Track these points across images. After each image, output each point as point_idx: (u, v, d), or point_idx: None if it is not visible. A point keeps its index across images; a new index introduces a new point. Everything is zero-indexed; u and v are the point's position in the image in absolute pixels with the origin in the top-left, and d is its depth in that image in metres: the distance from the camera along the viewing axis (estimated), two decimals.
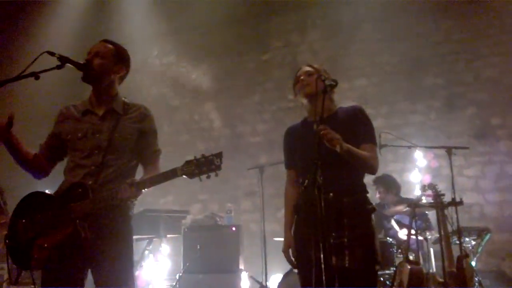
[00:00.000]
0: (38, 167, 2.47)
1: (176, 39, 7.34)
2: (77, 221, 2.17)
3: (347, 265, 2.23)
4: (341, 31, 6.46)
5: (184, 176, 2.10)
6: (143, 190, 2.21)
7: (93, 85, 2.45)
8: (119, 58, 2.47)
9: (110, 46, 2.47)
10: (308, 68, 2.56)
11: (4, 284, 4.88)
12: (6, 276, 4.93)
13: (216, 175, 2.08)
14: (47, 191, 2.50)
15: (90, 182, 2.26)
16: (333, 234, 2.27)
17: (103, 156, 2.32)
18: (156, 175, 2.23)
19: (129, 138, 2.39)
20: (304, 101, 2.51)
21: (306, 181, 2.47)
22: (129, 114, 2.44)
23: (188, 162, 2.09)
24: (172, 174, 2.13)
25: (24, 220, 2.30)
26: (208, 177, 2.08)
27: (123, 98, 2.49)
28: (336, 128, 2.36)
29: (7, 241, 2.33)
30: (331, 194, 2.29)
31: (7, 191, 4.47)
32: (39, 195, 2.38)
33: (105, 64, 2.41)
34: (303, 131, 2.52)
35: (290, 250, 2.46)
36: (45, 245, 2.21)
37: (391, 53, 6.26)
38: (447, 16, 6.10)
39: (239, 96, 6.92)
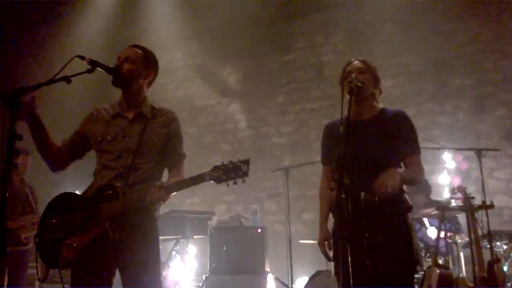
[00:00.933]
0: (58, 159, 2.50)
1: (200, 41, 7.40)
2: (107, 222, 2.21)
3: (381, 267, 2.20)
4: (365, 32, 6.40)
5: (211, 182, 2.14)
6: (171, 194, 2.24)
7: (123, 89, 2.50)
8: (148, 63, 2.52)
9: (139, 51, 2.52)
10: (360, 65, 2.47)
11: (36, 282, 5.00)
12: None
13: (243, 181, 2.12)
14: (77, 192, 2.56)
15: (119, 184, 2.30)
16: (366, 234, 2.24)
17: (132, 159, 2.37)
18: (184, 179, 2.26)
19: (156, 142, 2.43)
20: (348, 99, 2.37)
21: (333, 183, 2.47)
22: (157, 118, 2.48)
23: (216, 168, 2.13)
24: (200, 179, 2.17)
25: (54, 220, 2.36)
26: (235, 183, 2.12)
27: (151, 102, 2.53)
28: (381, 130, 2.35)
29: (36, 239, 2.39)
30: (362, 193, 2.27)
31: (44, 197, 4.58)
32: (69, 196, 2.43)
33: (135, 69, 2.45)
34: (347, 129, 2.40)
35: (327, 243, 2.42)
36: (74, 244, 2.26)
37: (416, 53, 6.17)
38: (474, 14, 5.98)
39: (263, 97, 6.93)
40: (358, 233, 2.24)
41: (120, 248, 2.26)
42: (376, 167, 2.32)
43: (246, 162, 2.12)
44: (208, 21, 7.21)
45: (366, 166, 2.34)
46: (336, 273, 2.42)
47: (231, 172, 2.11)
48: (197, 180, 2.18)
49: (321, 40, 6.78)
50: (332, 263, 2.42)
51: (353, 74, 2.39)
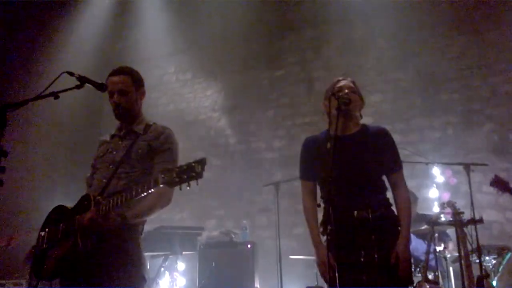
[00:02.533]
0: None
1: (192, 56, 7.44)
2: (78, 232, 2.21)
3: (378, 283, 2.19)
4: (355, 48, 6.47)
5: (161, 186, 2.00)
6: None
7: (125, 120, 2.60)
8: (138, 84, 2.61)
9: (126, 76, 2.57)
10: (351, 84, 2.54)
11: None
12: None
13: (197, 183, 1.95)
14: (61, 204, 2.56)
15: (95, 194, 2.33)
16: (362, 252, 2.24)
17: (115, 170, 2.43)
18: (139, 186, 2.14)
19: (139, 153, 2.47)
20: (335, 113, 2.42)
21: (321, 200, 2.47)
22: (147, 134, 2.53)
23: (169, 170, 1.99)
24: (154, 183, 2.05)
25: (43, 232, 2.44)
26: (189, 185, 1.96)
27: (147, 121, 2.60)
28: (364, 146, 2.37)
29: (33, 250, 2.50)
30: (355, 211, 2.28)
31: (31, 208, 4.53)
32: (59, 208, 2.49)
33: (131, 98, 2.56)
34: (328, 144, 2.44)
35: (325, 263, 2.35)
36: (53, 256, 2.30)
37: (405, 69, 6.24)
38: (462, 31, 6.07)
39: (254, 112, 6.95)
40: (354, 250, 2.24)
41: (91, 260, 2.25)
42: (363, 181, 2.34)
43: (201, 162, 1.94)
44: (200, 36, 7.26)
45: (353, 182, 2.36)
46: None
47: (183, 173, 1.95)
48: (150, 185, 2.06)
49: (312, 56, 6.84)
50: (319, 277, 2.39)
51: (346, 90, 2.45)
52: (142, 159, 2.45)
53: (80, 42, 7.00)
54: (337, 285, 2.11)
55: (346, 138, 2.47)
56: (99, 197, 2.29)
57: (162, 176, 1.99)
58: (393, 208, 2.44)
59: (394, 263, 2.25)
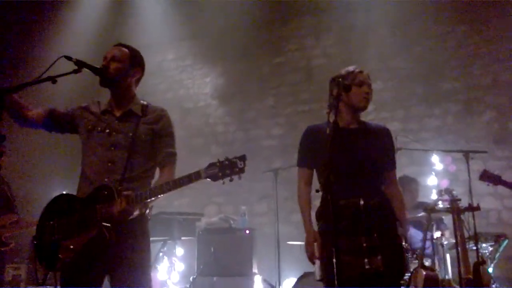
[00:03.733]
0: (28, 120, 2.51)
1: (191, 43, 7.40)
2: (102, 223, 2.20)
3: (382, 269, 2.23)
4: (356, 35, 6.43)
5: (208, 179, 2.10)
6: (160, 196, 2.22)
7: (111, 89, 2.51)
8: (135, 61, 2.53)
9: (125, 49, 2.53)
10: (370, 81, 2.53)
11: (23, 283, 4.94)
12: (24, 276, 4.99)
13: (240, 178, 2.07)
14: (67, 193, 2.54)
15: (113, 184, 2.28)
16: (364, 238, 2.27)
17: (124, 154, 2.37)
18: (175, 179, 2.22)
19: (145, 139, 2.43)
20: (346, 104, 2.49)
21: (319, 186, 2.49)
22: (147, 116, 2.48)
23: (211, 165, 2.10)
24: (195, 176, 2.12)
25: (51, 222, 2.35)
26: (231, 180, 2.08)
27: (142, 101, 2.53)
28: (366, 141, 2.42)
29: (34, 241, 2.39)
30: (361, 199, 2.32)
31: (24, 195, 4.50)
32: (67, 197, 2.43)
33: (122, 68, 2.46)
34: (333, 135, 2.44)
35: (316, 245, 2.40)
36: (71, 246, 2.24)
37: (406, 57, 6.21)
38: (463, 19, 6.03)
39: (253, 100, 6.94)
40: (355, 236, 2.29)
41: (114, 249, 2.25)
42: (365, 174, 2.39)
43: (242, 158, 2.09)
44: (199, 23, 7.21)
45: (355, 172, 2.40)
46: (325, 275, 2.41)
47: (227, 168, 2.06)
48: (192, 178, 2.13)
49: (312, 43, 6.81)
50: (317, 265, 2.41)
51: (367, 89, 2.48)
52: (146, 143, 2.43)
53: (79, 28, 6.96)
54: (335, 269, 2.13)
55: (347, 131, 2.52)
56: (120, 188, 2.25)
57: (205, 170, 2.09)
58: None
59: (399, 246, 2.32)
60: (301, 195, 2.58)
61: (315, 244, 2.41)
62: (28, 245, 4.51)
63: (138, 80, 2.58)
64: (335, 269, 2.25)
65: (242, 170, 2.06)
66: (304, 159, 2.63)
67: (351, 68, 2.55)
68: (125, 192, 2.20)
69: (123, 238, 2.26)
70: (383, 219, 2.35)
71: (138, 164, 2.39)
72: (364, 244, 2.27)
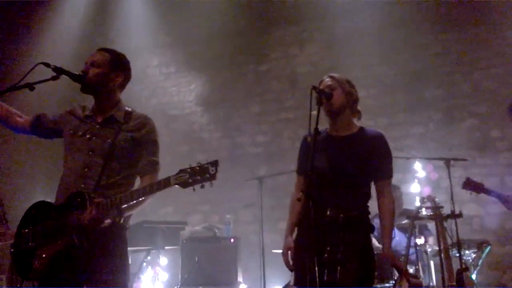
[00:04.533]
0: (19, 128, 2.52)
1: (175, 49, 7.37)
2: (74, 230, 2.15)
3: (338, 281, 2.22)
4: (339, 43, 6.48)
5: (176, 186, 2.01)
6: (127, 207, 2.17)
7: (93, 95, 2.47)
8: (116, 65, 2.47)
9: (106, 54, 2.48)
10: (330, 81, 2.48)
11: None
12: (5, 286, 4.90)
13: (211, 184, 1.97)
14: (47, 200, 2.50)
15: (87, 191, 2.23)
16: (328, 248, 2.26)
17: (101, 161, 2.32)
18: (143, 187, 2.16)
19: (124, 146, 2.38)
20: (325, 114, 2.46)
21: (301, 194, 2.49)
22: (129, 123, 2.43)
23: (182, 171, 2.00)
24: (165, 183, 2.05)
25: (27, 230, 2.31)
26: (202, 186, 1.99)
27: (126, 108, 2.49)
28: (358, 150, 2.38)
29: (11, 250, 2.34)
30: (328, 209, 2.29)
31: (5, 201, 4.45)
32: (43, 205, 2.38)
33: (101, 73, 2.41)
34: (323, 143, 2.43)
35: (289, 253, 2.44)
36: (44, 255, 2.20)
37: (389, 65, 6.28)
38: (446, 28, 6.13)
39: (238, 107, 6.93)
40: (320, 246, 2.26)
41: (87, 258, 2.20)
42: (346, 184, 2.36)
43: (214, 163, 1.97)
44: (184, 29, 7.20)
45: (336, 181, 2.37)
46: (296, 283, 2.43)
47: (197, 174, 1.97)
48: (161, 185, 2.06)
49: (296, 51, 6.84)
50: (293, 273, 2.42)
51: (325, 90, 2.43)
52: (125, 151, 2.38)
53: (62, 33, 6.87)
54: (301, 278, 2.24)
55: (337, 139, 2.48)
56: (93, 195, 2.20)
57: (175, 177, 2.00)
58: (370, 217, 2.49)
59: (364, 262, 2.30)
60: (291, 202, 2.57)
61: (289, 252, 2.43)
62: (4, 257, 4.45)
63: (122, 85, 2.52)
64: (297, 275, 2.36)
65: (213, 177, 1.96)
66: (299, 167, 2.61)
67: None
68: (96, 200, 2.15)
69: (95, 246, 2.21)
70: (351, 232, 2.31)
71: (115, 171, 2.35)
72: (326, 255, 2.25)
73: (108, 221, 2.19)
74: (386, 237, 2.40)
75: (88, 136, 2.39)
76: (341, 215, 2.30)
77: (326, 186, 2.33)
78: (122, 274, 2.32)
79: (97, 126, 2.42)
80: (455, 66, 6.01)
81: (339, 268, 2.24)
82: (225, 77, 7.06)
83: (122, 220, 2.29)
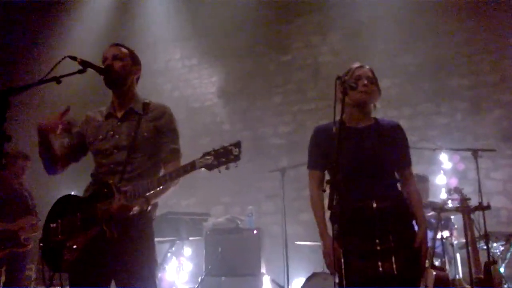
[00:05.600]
0: (59, 164, 2.53)
1: (197, 41, 7.38)
2: (103, 220, 2.19)
3: (395, 272, 2.19)
4: (362, 32, 6.38)
5: (202, 169, 2.04)
6: (154, 194, 2.20)
7: (115, 88, 2.49)
8: (134, 59, 2.53)
9: (124, 48, 2.53)
10: (371, 74, 2.45)
11: (33, 283, 5.02)
12: (34, 276, 5.08)
13: (236, 165, 2.00)
14: (72, 193, 2.55)
15: (113, 181, 2.27)
16: (377, 241, 2.24)
17: (126, 155, 2.36)
18: (169, 172, 2.20)
19: (147, 137, 2.41)
20: (351, 103, 2.41)
21: (325, 184, 2.45)
22: (149, 114, 2.47)
23: (206, 154, 2.03)
24: (190, 167, 2.08)
25: (55, 223, 2.36)
26: (227, 168, 2.01)
27: (144, 99, 2.53)
28: (376, 140, 2.37)
29: (41, 244, 2.39)
30: (374, 201, 2.28)
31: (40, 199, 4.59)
32: (69, 198, 2.44)
33: (125, 66, 2.46)
34: (340, 134, 2.35)
35: (334, 254, 2.29)
36: (75, 246, 2.24)
37: (413, 53, 6.16)
38: (472, 15, 5.97)
39: (260, 98, 6.91)
40: (370, 239, 2.24)
41: (116, 247, 2.24)
42: (377, 174, 2.34)
43: (237, 145, 2.01)
44: (205, 21, 7.19)
45: (368, 172, 2.35)
46: (340, 279, 2.39)
47: (221, 156, 2.00)
48: (187, 169, 2.09)
49: (318, 41, 6.77)
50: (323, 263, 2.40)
51: (365, 82, 2.40)
52: (149, 141, 2.42)
53: (85, 28, 6.96)
54: (343, 274, 2.09)
55: (356, 131, 2.45)
56: (119, 184, 2.24)
57: (200, 160, 2.03)
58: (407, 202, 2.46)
59: (415, 249, 2.27)
60: (314, 200, 2.48)
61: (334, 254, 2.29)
62: (36, 247, 4.60)
63: (137, 79, 2.58)
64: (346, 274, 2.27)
65: (237, 158, 1.98)
66: (313, 161, 2.55)
67: (352, 66, 2.51)
68: (123, 188, 2.19)
69: (125, 236, 2.25)
70: (398, 221, 2.30)
71: (140, 162, 2.38)
72: (378, 248, 2.22)
73: (136, 208, 2.21)
74: (422, 224, 2.36)
75: (111, 133, 2.44)
76: (389, 205, 2.29)
77: (360, 177, 2.31)
78: (150, 262, 2.36)
79: (118, 123, 2.46)
80: (482, 54, 5.85)
81: (393, 258, 2.21)
82: (247, 68, 7.04)
83: (149, 208, 2.32)
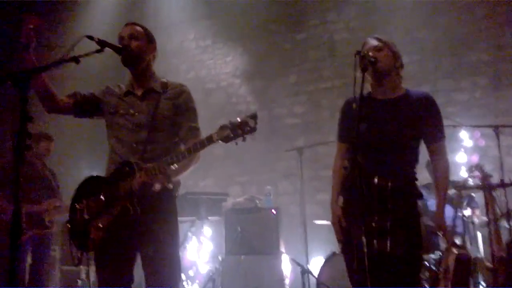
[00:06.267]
0: (56, 101, 2.48)
1: (211, 21, 7.32)
2: (126, 197, 2.24)
3: (388, 249, 2.20)
4: (379, 8, 6.24)
5: (220, 142, 2.07)
6: (175, 168, 2.22)
7: (133, 67, 2.50)
8: (150, 38, 2.54)
9: (139, 27, 2.52)
10: (376, 43, 2.38)
11: (58, 264, 5.13)
12: (58, 257, 5.18)
13: (253, 137, 2.02)
14: (95, 174, 2.57)
15: (134, 160, 2.30)
16: (376, 217, 2.23)
17: (146, 134, 2.39)
18: (190, 145, 2.21)
19: (167, 115, 2.44)
20: (370, 77, 2.36)
21: (347, 162, 2.44)
22: (167, 92, 2.49)
23: (223, 127, 2.07)
24: (208, 140, 2.11)
25: (80, 204, 2.41)
26: (244, 139, 2.04)
27: (161, 78, 2.54)
28: (405, 113, 2.31)
29: (67, 224, 2.45)
30: (375, 178, 2.25)
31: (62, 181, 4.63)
32: (93, 179, 2.47)
33: (142, 45, 2.47)
34: (367, 107, 2.33)
35: (341, 221, 2.37)
36: (100, 225, 2.29)
37: (431, 29, 6.01)
38: None
39: (275, 78, 6.85)
40: (368, 215, 2.23)
41: (141, 224, 2.29)
42: (394, 150, 2.30)
43: (254, 116, 2.05)
44: (219, 1, 7.11)
45: (384, 147, 2.31)
46: (343, 253, 2.42)
47: (238, 129, 2.03)
48: (205, 143, 2.13)
49: (334, 17, 6.64)
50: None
51: (370, 53, 2.32)
52: (168, 120, 2.44)
53: (99, 10, 6.94)
54: (349, 245, 2.18)
55: (385, 103, 2.39)
56: (141, 162, 2.26)
57: (216, 133, 2.06)
58: (417, 183, 2.42)
59: (413, 230, 2.26)
60: (334, 169, 2.50)
61: (340, 220, 2.38)
62: (60, 227, 4.68)
63: (154, 58, 2.58)
64: (345, 246, 2.33)
65: (253, 129, 2.01)
66: (340, 133, 2.54)
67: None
68: (144, 166, 2.21)
69: (148, 213, 2.29)
70: (399, 201, 2.27)
71: (160, 142, 2.41)
72: (374, 224, 2.21)
73: (158, 185, 2.23)
74: (441, 200, 2.34)
75: (131, 111, 2.45)
76: (389, 183, 2.26)
77: (373, 153, 2.27)
78: (174, 237, 2.42)
79: (138, 101, 2.47)
80: (502, 29, 5.69)
81: (388, 237, 2.21)
82: (261, 47, 6.97)
83: (171, 185, 2.34)
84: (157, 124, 2.41)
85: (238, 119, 2.04)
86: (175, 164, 2.20)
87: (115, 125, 2.47)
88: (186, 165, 2.36)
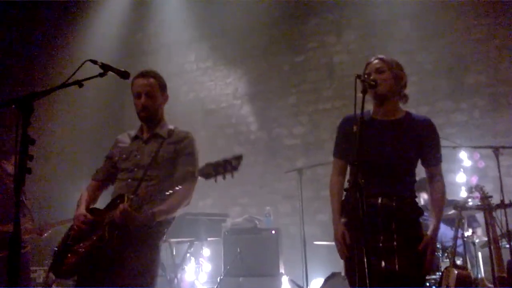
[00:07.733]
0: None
1: (212, 43, 7.41)
2: (106, 226, 2.30)
3: (397, 269, 2.18)
4: (378, 30, 6.34)
5: (199, 177, 2.18)
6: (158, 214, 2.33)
7: (150, 123, 2.64)
8: (162, 88, 2.66)
9: (153, 80, 2.62)
10: (378, 64, 2.38)
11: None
12: (41, 279, 5.09)
13: (232, 176, 2.11)
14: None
15: (127, 194, 2.37)
16: (381, 237, 2.22)
17: (142, 172, 2.48)
18: (177, 189, 2.30)
19: (166, 157, 2.53)
20: (371, 98, 2.38)
21: (347, 183, 2.44)
22: (172, 137, 2.60)
23: (207, 164, 2.17)
24: (191, 175, 2.28)
25: (71, 231, 2.49)
26: (224, 177, 2.12)
27: (170, 126, 2.66)
28: (408, 135, 2.31)
29: (55, 248, 2.52)
30: (379, 198, 2.25)
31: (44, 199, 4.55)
32: (92, 209, 2.55)
33: (157, 102, 2.61)
34: (367, 127, 2.29)
35: (345, 239, 2.32)
36: (79, 250, 2.36)
37: (430, 50, 6.09)
38: (489, 11, 5.88)
39: (275, 99, 6.91)
40: (373, 235, 2.22)
41: (116, 253, 2.32)
42: (395, 171, 2.30)
43: (238, 157, 2.13)
44: (219, 23, 7.21)
45: (383, 168, 2.32)
46: (347, 273, 2.40)
47: (220, 166, 2.11)
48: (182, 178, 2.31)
49: (333, 40, 6.73)
50: (342, 263, 2.38)
51: (372, 76, 2.34)
52: (167, 162, 2.53)
53: (101, 32, 7.03)
54: (355, 264, 2.11)
55: (386, 124, 2.39)
56: (132, 196, 2.34)
57: (200, 169, 2.17)
58: (417, 200, 2.43)
59: (419, 250, 2.25)
60: (332, 186, 2.48)
61: (344, 239, 2.34)
62: (47, 249, 4.60)
63: (165, 102, 2.72)
64: (348, 266, 2.30)
65: (235, 168, 2.10)
66: (337, 149, 2.52)
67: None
68: (131, 196, 2.30)
69: (126, 244, 2.32)
70: (403, 221, 2.27)
71: (155, 180, 2.48)
72: (381, 244, 2.21)
73: (140, 220, 2.29)
74: (437, 222, 2.32)
75: (133, 154, 2.57)
76: (394, 204, 2.26)
77: (375, 173, 2.27)
78: (148, 274, 2.39)
79: (143, 145, 2.60)
80: (499, 52, 5.76)
81: (396, 256, 2.20)
82: (261, 69, 7.04)
83: (154, 222, 2.37)
84: (156, 164, 2.50)
85: (223, 159, 2.13)
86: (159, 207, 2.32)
87: (119, 171, 2.61)
88: (173, 205, 2.42)
